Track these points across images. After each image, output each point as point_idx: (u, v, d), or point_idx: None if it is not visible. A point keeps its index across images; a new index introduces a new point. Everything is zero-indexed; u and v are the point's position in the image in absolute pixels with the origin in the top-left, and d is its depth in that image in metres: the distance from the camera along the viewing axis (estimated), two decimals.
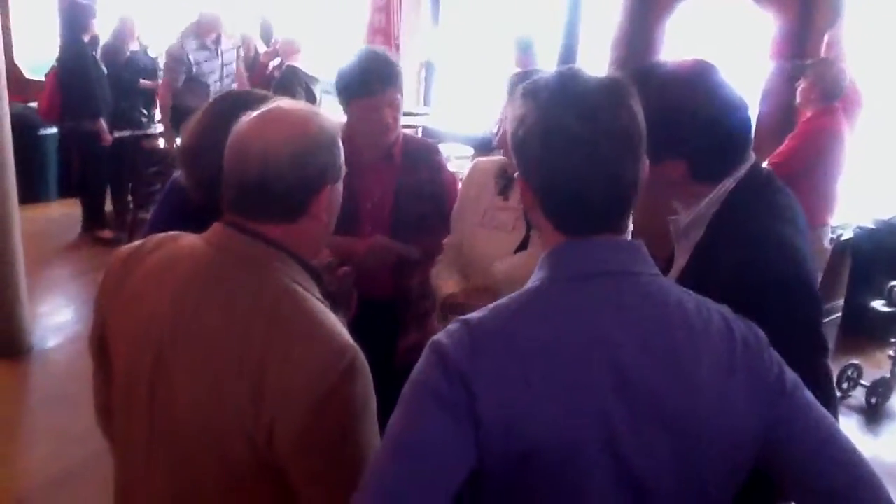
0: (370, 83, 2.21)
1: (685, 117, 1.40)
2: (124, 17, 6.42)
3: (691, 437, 1.03)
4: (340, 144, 1.34)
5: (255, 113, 1.30)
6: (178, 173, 1.86)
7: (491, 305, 1.10)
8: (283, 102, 1.34)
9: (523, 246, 2.08)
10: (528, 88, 1.13)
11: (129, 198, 6.62)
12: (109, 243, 6.20)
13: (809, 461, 1.08)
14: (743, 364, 1.07)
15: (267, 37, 7.70)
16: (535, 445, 1.00)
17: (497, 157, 2.21)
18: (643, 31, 5.47)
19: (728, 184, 1.45)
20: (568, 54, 6.02)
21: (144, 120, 6.46)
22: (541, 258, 1.14)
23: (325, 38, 7.60)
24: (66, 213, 6.83)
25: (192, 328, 1.24)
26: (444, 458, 1.00)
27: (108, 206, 6.60)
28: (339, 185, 1.36)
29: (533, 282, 1.12)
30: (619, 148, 1.07)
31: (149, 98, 6.51)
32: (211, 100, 1.78)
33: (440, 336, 1.07)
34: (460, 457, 1.00)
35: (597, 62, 5.88)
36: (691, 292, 1.12)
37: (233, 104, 1.72)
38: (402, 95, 2.30)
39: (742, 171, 1.45)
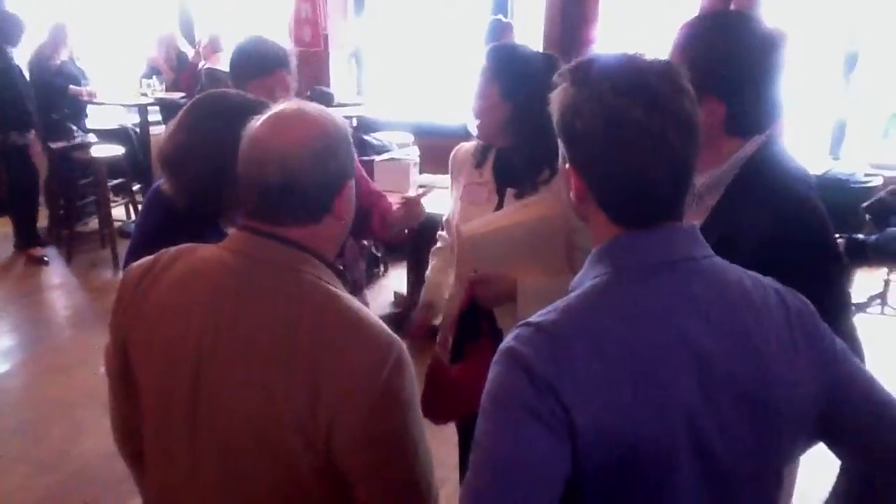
0: (267, 63, 2.38)
1: (737, 61, 1.43)
2: (58, 25, 6.18)
3: (768, 411, 1.05)
4: (351, 140, 1.33)
5: (265, 116, 1.28)
6: (157, 182, 1.82)
7: (559, 304, 1.07)
8: (292, 103, 1.32)
9: None
10: (578, 76, 1.09)
11: (62, 212, 6.39)
12: (44, 262, 5.99)
13: (862, 424, 1.12)
14: (801, 335, 1.09)
15: (188, 33, 7.51)
16: (632, 446, 0.99)
17: (475, 141, 2.27)
18: (576, 7, 5.53)
19: (749, 148, 1.48)
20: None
21: (75, 129, 6.22)
22: (596, 251, 1.12)
23: (250, 32, 7.45)
24: None
25: (232, 338, 1.22)
26: (545, 469, 0.98)
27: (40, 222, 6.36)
28: (353, 181, 1.35)
29: (595, 276, 1.09)
30: (684, 136, 1.05)
31: (78, 107, 6.28)
32: (189, 104, 1.74)
33: (514, 343, 1.03)
34: (559, 467, 0.98)
35: (529, 40, 5.92)
36: (743, 269, 1.13)
37: (212, 107, 1.69)
38: (291, 76, 2.45)
39: (763, 136, 1.49)
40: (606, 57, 1.10)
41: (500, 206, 2.16)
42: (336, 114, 1.35)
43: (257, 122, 1.28)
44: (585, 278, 1.11)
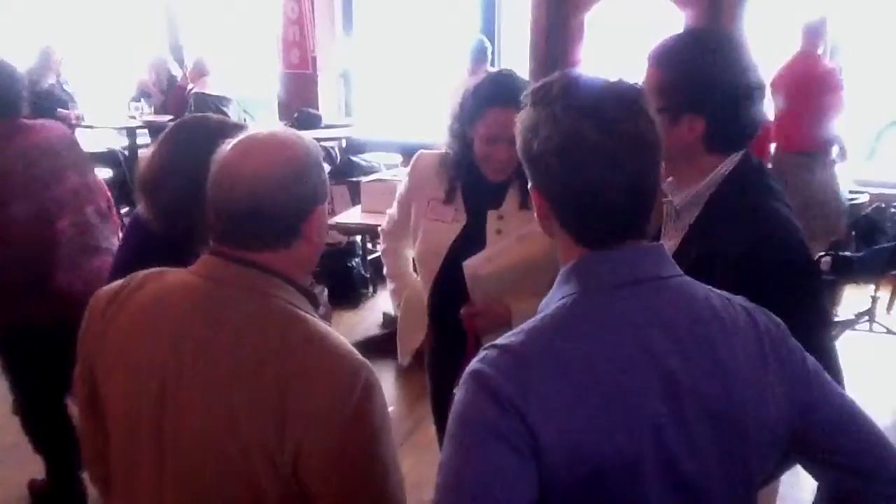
0: None
1: (717, 77, 1.43)
2: (46, 48, 6.21)
3: (737, 431, 1.04)
4: (323, 164, 1.33)
5: (235, 140, 1.27)
6: (137, 209, 1.81)
7: (526, 326, 1.06)
8: (263, 128, 1.31)
9: (465, 236, 2.16)
10: (539, 97, 1.09)
11: None
12: None
13: (836, 443, 1.11)
14: (772, 354, 1.08)
15: (177, 55, 7.54)
16: (599, 466, 0.98)
17: (438, 151, 2.25)
18: (561, 27, 5.57)
19: (726, 166, 1.49)
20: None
21: None
22: (563, 271, 1.11)
23: (238, 54, 7.49)
24: None
25: (198, 362, 1.21)
26: (510, 491, 0.96)
27: None
28: (325, 206, 1.35)
29: (561, 297, 1.08)
30: (639, 157, 1.05)
31: None
32: (169, 127, 1.74)
33: (480, 365, 1.02)
34: (525, 489, 0.97)
35: (516, 60, 5.96)
36: (713, 288, 1.12)
37: (192, 131, 1.69)
38: None
39: (739, 154, 1.50)
40: (571, 78, 1.10)
41: (471, 226, 2.15)
42: (308, 138, 1.35)
43: (228, 145, 1.27)
44: (553, 299, 1.10)
